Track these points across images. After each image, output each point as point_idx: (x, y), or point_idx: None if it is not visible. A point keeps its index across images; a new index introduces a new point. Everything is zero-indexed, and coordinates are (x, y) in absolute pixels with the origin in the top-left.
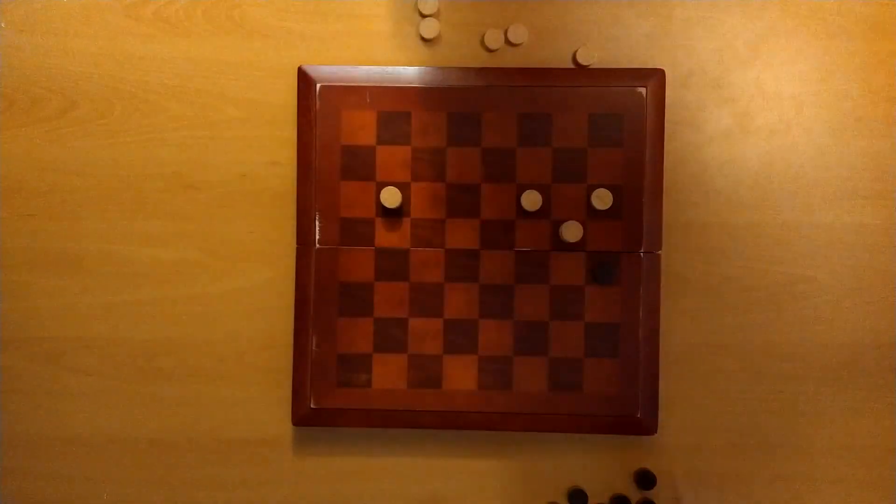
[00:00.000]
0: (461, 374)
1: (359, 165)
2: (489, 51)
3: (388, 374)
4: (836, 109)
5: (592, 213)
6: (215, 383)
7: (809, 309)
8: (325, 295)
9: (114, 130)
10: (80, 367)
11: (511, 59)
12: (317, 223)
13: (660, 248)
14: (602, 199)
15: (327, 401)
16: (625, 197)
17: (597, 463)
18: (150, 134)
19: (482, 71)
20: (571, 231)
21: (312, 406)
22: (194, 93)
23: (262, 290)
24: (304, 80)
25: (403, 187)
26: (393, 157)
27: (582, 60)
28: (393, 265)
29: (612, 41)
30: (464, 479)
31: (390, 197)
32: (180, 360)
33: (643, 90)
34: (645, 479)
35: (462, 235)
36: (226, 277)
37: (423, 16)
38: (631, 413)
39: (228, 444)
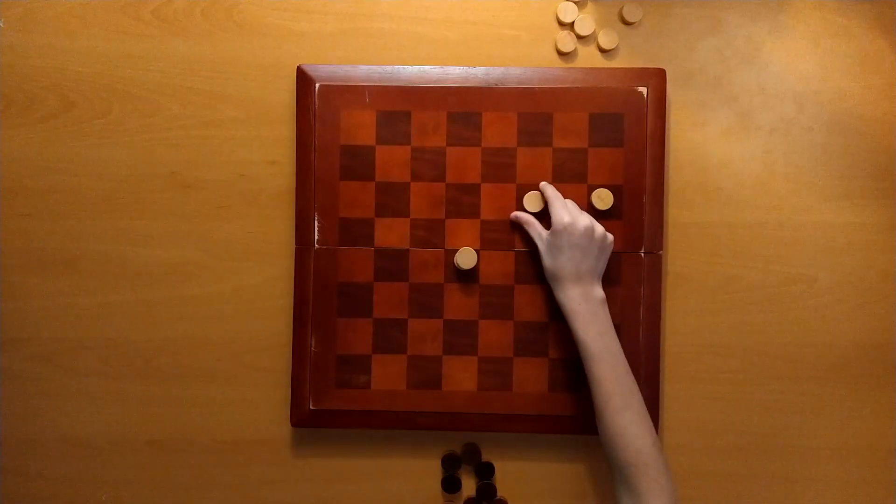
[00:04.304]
0: (461, 375)
1: (358, 165)
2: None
3: (388, 375)
4: (836, 108)
5: (593, 213)
6: (214, 384)
7: (809, 309)
8: (324, 295)
9: (112, 130)
10: (79, 367)
11: (510, 59)
12: (316, 223)
13: (661, 249)
14: (603, 199)
15: (326, 402)
16: (625, 197)
17: (598, 464)
18: (148, 133)
19: (482, 70)
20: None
21: (311, 407)
22: (193, 92)
23: (260, 291)
24: (304, 80)
25: (403, 187)
26: (393, 157)
27: (629, 18)
28: (392, 265)
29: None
30: (463, 479)
31: (466, 259)
32: (179, 360)
33: (644, 90)
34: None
35: (462, 235)
36: (224, 278)
37: (562, 25)
38: None
39: (227, 445)
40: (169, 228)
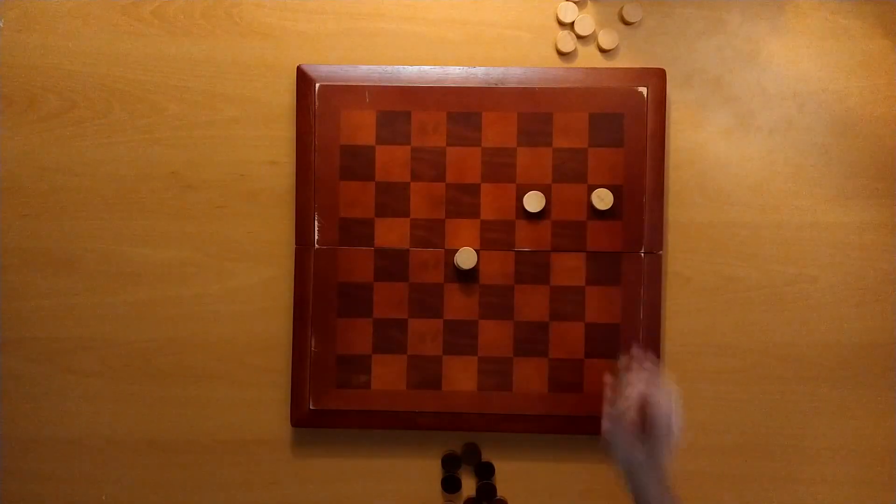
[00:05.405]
0: (461, 375)
1: (358, 165)
2: None
3: (388, 375)
4: (836, 109)
5: (593, 212)
6: (214, 384)
7: (810, 309)
8: (324, 295)
9: (112, 130)
10: (79, 367)
11: (510, 59)
12: (316, 223)
13: (661, 249)
14: (603, 199)
15: (326, 402)
16: (625, 197)
17: (597, 464)
18: (148, 134)
19: (482, 70)
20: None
21: (311, 407)
22: (193, 92)
23: (260, 291)
24: (304, 80)
25: (403, 187)
26: (393, 157)
27: (629, 18)
28: (392, 265)
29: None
30: (463, 479)
31: (466, 259)
32: (179, 360)
33: (644, 90)
34: None
35: (462, 235)
36: (224, 278)
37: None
38: None
39: (227, 445)
40: (169, 228)
